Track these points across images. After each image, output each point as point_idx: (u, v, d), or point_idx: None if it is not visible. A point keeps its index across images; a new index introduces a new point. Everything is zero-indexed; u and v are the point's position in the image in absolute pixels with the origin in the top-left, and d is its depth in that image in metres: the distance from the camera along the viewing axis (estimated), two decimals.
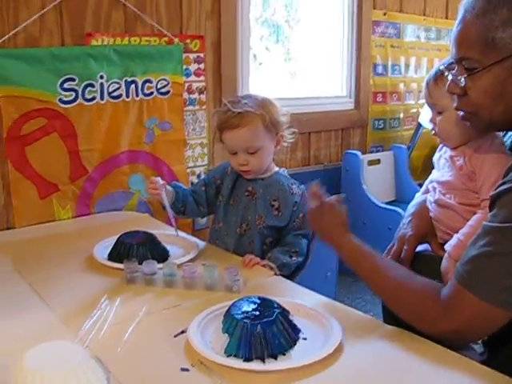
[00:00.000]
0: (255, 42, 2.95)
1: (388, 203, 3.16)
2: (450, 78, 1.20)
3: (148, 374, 1.04)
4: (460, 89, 1.18)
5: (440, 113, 1.41)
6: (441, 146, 1.51)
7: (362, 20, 3.18)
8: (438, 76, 1.37)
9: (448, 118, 1.38)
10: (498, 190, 1.06)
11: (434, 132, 1.46)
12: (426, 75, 1.46)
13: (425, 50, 3.64)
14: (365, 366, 1.07)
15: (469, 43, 1.13)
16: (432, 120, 1.45)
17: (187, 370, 1.03)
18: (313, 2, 3.23)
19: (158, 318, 1.27)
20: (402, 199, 3.22)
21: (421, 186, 1.62)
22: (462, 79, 1.16)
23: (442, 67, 1.28)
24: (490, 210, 1.07)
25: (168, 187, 1.70)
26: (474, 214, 1.34)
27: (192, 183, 2.41)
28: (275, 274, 1.54)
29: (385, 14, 3.31)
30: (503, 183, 1.06)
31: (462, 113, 1.23)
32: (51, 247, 1.78)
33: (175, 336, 1.16)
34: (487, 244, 1.03)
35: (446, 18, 3.67)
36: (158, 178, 1.67)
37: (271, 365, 1.05)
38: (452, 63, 1.20)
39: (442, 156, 1.49)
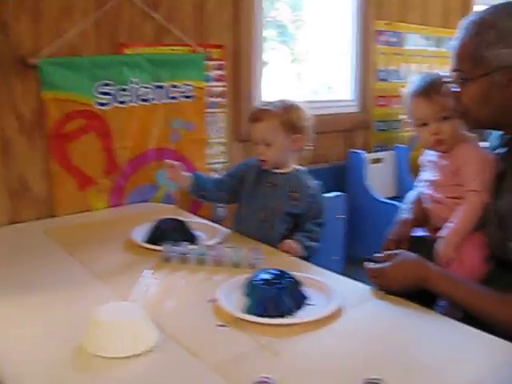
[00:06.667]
0: None
1: (389, 198, 3.34)
2: (450, 82, 1.44)
3: (191, 329, 1.28)
4: (455, 93, 1.42)
5: (445, 119, 1.55)
6: (426, 150, 1.68)
7: (366, 30, 3.39)
8: (440, 86, 1.52)
9: (454, 123, 1.54)
10: None
11: (438, 143, 1.57)
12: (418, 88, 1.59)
13: (425, 57, 3.83)
14: (359, 326, 1.30)
15: (462, 57, 1.39)
16: (436, 131, 1.56)
17: (223, 325, 1.27)
18: (318, 3, 3.40)
19: (194, 288, 1.51)
20: (402, 195, 3.36)
21: None
22: (456, 85, 1.41)
23: (443, 73, 1.49)
24: None
25: (186, 173, 1.99)
26: (460, 205, 1.55)
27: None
28: (299, 256, 1.77)
29: (387, 24, 3.52)
30: None
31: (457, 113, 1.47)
32: (92, 233, 2.00)
33: (210, 301, 1.37)
34: None
35: (445, 27, 3.86)
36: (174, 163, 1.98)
37: (280, 320, 1.29)
38: (452, 71, 1.43)
39: (427, 159, 1.67)
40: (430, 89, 1.56)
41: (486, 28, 1.33)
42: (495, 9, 1.37)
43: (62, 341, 1.21)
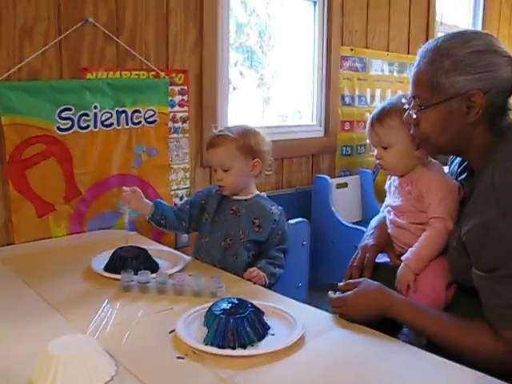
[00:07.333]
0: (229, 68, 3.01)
1: (355, 223, 3.33)
2: (407, 109, 1.44)
3: (149, 362, 1.23)
4: (413, 120, 1.42)
5: (385, 148, 1.60)
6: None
7: (331, 55, 3.41)
8: (382, 116, 1.58)
9: (394, 153, 1.58)
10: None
11: (380, 166, 1.64)
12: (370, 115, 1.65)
13: (389, 83, 3.87)
14: (322, 356, 1.27)
15: (420, 85, 1.39)
16: (378, 156, 1.63)
17: (182, 358, 1.24)
18: (286, 29, 3.43)
19: (153, 319, 1.46)
20: (367, 219, 3.37)
21: None
22: (414, 113, 1.41)
23: (403, 100, 1.48)
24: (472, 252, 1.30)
25: (146, 201, 1.97)
26: (424, 230, 1.53)
27: (175, 204, 2.62)
28: (264, 284, 1.75)
29: (352, 50, 3.55)
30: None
31: (416, 140, 1.48)
32: (51, 261, 1.94)
33: (170, 332, 1.35)
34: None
35: (408, 53, 3.92)
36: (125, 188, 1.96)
37: (240, 351, 1.26)
38: (411, 98, 1.42)
39: (391, 184, 1.67)
40: (376, 119, 1.60)
41: (442, 56, 1.34)
42: (451, 37, 1.38)
43: (14, 377, 1.15)
